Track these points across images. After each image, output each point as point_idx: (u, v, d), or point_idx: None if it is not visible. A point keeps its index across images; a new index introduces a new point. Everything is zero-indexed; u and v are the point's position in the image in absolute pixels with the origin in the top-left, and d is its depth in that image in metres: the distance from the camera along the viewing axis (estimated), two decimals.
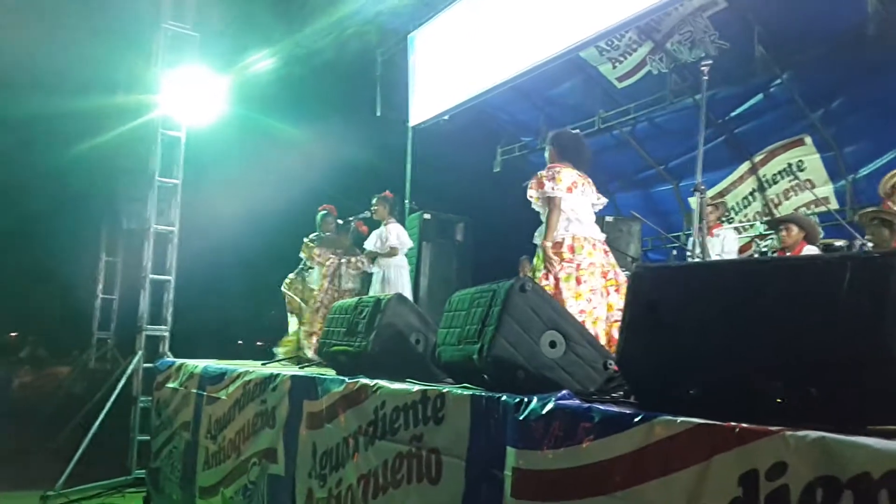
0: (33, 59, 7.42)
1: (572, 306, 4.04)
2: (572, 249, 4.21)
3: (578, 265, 4.17)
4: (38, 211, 9.92)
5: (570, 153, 4.46)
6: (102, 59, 7.81)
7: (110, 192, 9.09)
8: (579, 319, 3.97)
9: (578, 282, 4.13)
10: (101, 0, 7.16)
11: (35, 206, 9.83)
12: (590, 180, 4.45)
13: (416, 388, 2.69)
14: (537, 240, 4.38)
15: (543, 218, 4.38)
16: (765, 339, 1.68)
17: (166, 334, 7.11)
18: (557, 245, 4.22)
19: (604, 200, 4.52)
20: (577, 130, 4.96)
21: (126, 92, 7.91)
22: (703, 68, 3.91)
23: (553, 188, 4.25)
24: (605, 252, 4.35)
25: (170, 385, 5.58)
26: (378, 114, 9.78)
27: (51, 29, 7.29)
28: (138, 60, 7.78)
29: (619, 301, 4.06)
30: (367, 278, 6.68)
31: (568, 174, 4.32)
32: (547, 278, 4.15)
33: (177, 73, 7.29)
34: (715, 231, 5.77)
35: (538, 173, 4.39)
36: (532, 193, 4.36)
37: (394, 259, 6.42)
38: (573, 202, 4.29)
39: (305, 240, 6.91)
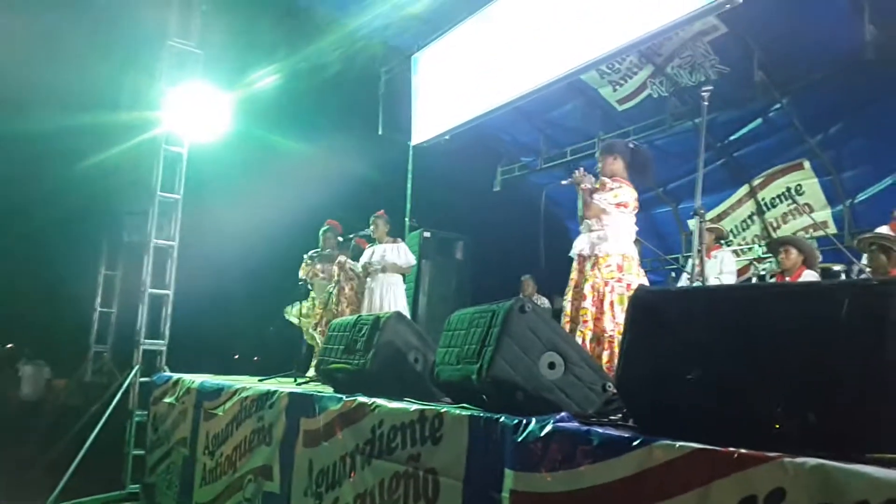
0: (39, 75, 7.47)
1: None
2: (621, 269, 4.09)
3: (629, 285, 4.03)
4: (39, 224, 9.93)
5: (632, 166, 4.37)
6: (107, 76, 7.87)
7: (112, 207, 9.11)
8: None
9: (625, 303, 3.98)
10: (107, 18, 7.21)
11: (37, 219, 9.85)
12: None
13: (414, 407, 2.69)
14: (584, 251, 4.23)
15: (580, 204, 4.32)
16: (764, 364, 1.69)
17: (163, 349, 7.10)
18: (602, 259, 4.12)
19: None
20: (633, 142, 4.84)
21: (130, 108, 7.95)
22: (703, 94, 3.92)
23: (603, 199, 4.20)
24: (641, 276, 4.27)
25: (166, 400, 5.57)
26: (380, 132, 9.83)
27: (57, 46, 7.34)
28: (143, 77, 7.83)
29: None
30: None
31: (628, 194, 4.24)
32: (595, 301, 4.03)
33: (180, 89, 7.34)
34: (713, 253, 5.77)
35: (610, 179, 4.30)
36: (607, 172, 4.29)
37: (391, 277, 6.41)
38: (620, 218, 4.20)
39: (305, 257, 6.92)
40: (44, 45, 7.43)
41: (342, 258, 6.61)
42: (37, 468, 7.04)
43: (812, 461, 1.40)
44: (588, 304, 4.02)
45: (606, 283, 4.04)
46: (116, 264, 9.56)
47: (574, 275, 4.24)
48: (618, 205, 4.20)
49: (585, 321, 4.00)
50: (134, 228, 8.37)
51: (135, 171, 8.17)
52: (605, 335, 3.95)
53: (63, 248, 10.10)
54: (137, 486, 6.26)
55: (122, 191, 8.78)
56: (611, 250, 4.11)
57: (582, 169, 4.42)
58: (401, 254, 6.39)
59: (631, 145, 4.58)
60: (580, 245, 4.26)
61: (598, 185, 4.30)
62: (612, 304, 4.00)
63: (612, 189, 4.23)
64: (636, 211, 4.33)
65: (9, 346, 12.92)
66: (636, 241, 7.01)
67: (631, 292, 3.92)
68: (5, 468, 7.01)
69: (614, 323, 3.93)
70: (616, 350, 3.85)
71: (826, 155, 7.45)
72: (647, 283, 4.28)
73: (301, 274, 6.86)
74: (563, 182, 4.48)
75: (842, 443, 1.49)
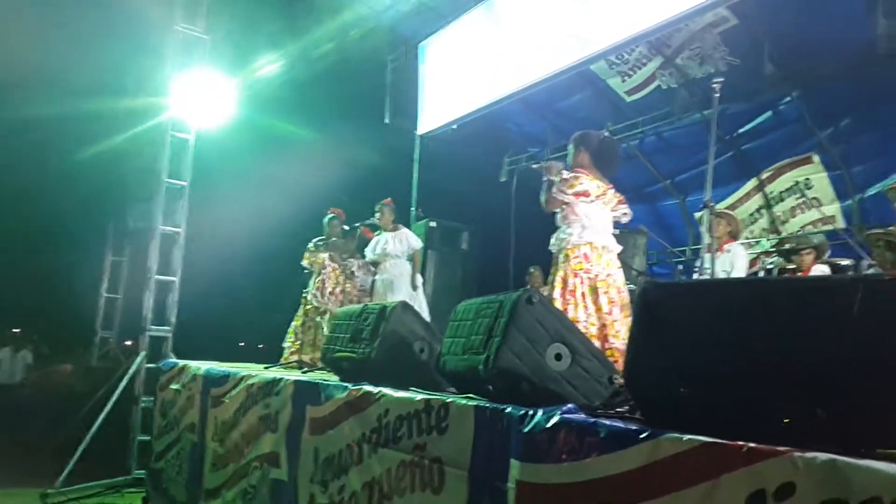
0: (46, 61, 7.47)
1: (596, 322, 3.93)
2: (588, 258, 4.06)
3: (596, 276, 4.02)
4: (46, 210, 9.96)
5: (598, 158, 4.35)
6: (114, 62, 7.86)
7: (119, 193, 9.13)
8: (601, 333, 3.90)
9: (597, 293, 3.98)
10: (113, 3, 7.18)
11: (43, 204, 9.87)
12: (612, 188, 4.31)
13: (420, 396, 2.68)
14: (553, 247, 4.23)
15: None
16: (773, 359, 1.68)
17: (169, 335, 7.12)
18: (570, 251, 4.09)
19: (628, 213, 4.35)
20: (606, 133, 4.80)
21: (137, 94, 7.95)
22: (714, 86, 3.89)
23: (561, 191, 4.17)
24: (619, 266, 4.20)
25: (173, 386, 5.58)
26: (386, 121, 9.79)
27: (64, 32, 7.33)
28: (149, 63, 7.81)
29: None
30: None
31: (587, 183, 4.20)
32: (565, 293, 4.01)
33: (187, 75, 7.31)
34: (725, 247, 5.73)
35: (570, 173, 4.26)
36: (558, 186, 4.23)
37: (397, 267, 6.40)
38: (586, 209, 4.16)
39: (310, 245, 6.90)
40: (50, 31, 7.41)
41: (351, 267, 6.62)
42: (43, 453, 7.08)
43: (822, 456, 1.39)
44: (556, 294, 4.01)
45: (576, 275, 4.03)
46: (123, 250, 9.60)
47: (553, 271, 4.22)
48: (577, 195, 4.16)
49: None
50: (140, 215, 8.40)
51: (141, 158, 8.18)
52: (579, 325, 3.88)
53: (69, 235, 10.14)
54: (143, 471, 6.29)
55: (128, 177, 8.80)
56: (577, 241, 4.10)
57: (553, 162, 4.39)
58: (401, 241, 6.37)
59: (604, 135, 4.57)
60: (553, 241, 4.26)
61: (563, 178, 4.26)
62: (583, 294, 3.99)
63: (567, 180, 4.20)
64: (610, 203, 4.28)
65: (15, 330, 12.98)
66: (642, 232, 7.05)
67: (598, 283, 4.00)
68: (13, 452, 7.05)
69: (586, 314, 3.93)
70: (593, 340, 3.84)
71: (835, 149, 7.41)
72: (621, 273, 4.20)
73: (304, 262, 6.84)
74: (534, 165, 4.49)
75: (852, 438, 1.49)
